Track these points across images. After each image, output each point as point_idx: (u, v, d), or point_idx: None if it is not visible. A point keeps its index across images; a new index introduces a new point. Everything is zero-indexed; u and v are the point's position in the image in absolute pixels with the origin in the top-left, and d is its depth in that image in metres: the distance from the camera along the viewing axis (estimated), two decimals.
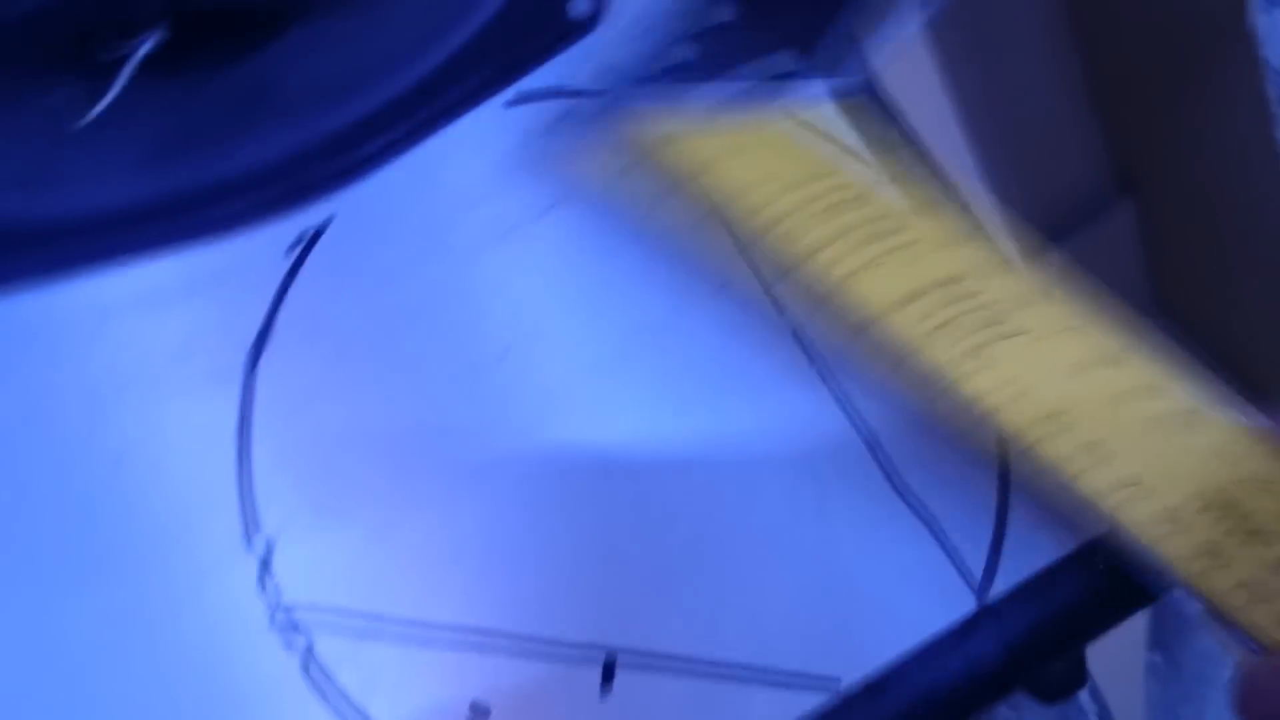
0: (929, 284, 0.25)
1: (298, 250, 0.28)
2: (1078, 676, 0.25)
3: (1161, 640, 0.45)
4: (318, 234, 0.28)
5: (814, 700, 0.24)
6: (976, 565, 0.25)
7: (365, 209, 0.29)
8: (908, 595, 0.25)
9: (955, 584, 0.25)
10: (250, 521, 0.26)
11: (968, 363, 0.24)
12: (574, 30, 0.30)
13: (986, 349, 0.24)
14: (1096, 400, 0.24)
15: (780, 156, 0.28)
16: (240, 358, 0.27)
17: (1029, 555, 0.25)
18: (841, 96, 0.28)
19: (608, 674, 0.25)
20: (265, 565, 0.25)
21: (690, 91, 0.28)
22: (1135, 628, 0.45)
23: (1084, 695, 0.38)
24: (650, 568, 0.25)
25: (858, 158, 0.28)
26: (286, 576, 0.26)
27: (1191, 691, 0.44)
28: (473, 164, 0.29)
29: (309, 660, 0.25)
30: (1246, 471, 0.23)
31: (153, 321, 0.28)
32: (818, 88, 0.28)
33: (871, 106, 0.28)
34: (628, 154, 0.28)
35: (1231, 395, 0.24)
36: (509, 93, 0.30)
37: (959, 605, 0.25)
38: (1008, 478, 0.26)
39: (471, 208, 0.29)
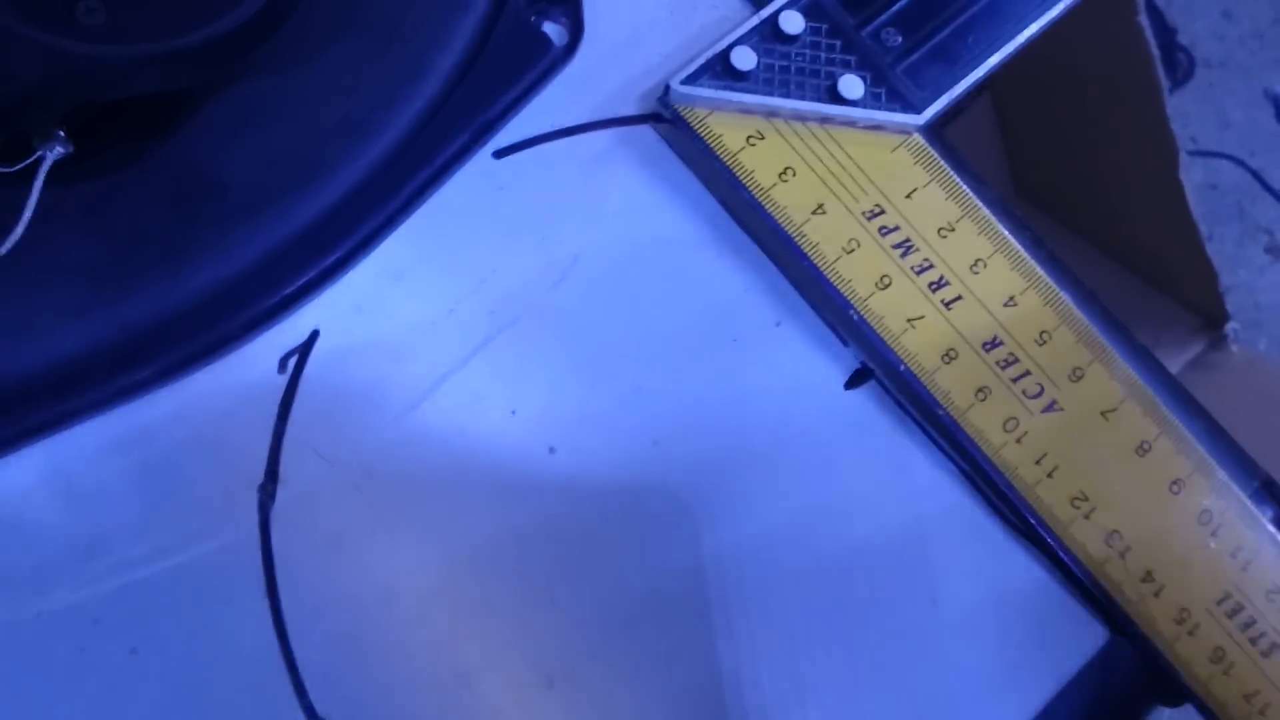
0: (970, 345, 0.25)
1: (290, 369, 0.24)
2: None
3: None
4: (309, 344, 0.24)
5: None
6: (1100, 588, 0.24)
7: (357, 308, 0.25)
8: (1039, 635, 0.24)
9: (1084, 611, 0.24)
10: (307, 707, 0.22)
11: (1002, 434, 0.24)
12: (554, 61, 0.26)
13: (1022, 423, 0.24)
14: (1121, 490, 0.24)
15: (841, 183, 0.25)
16: (251, 504, 0.23)
17: None
18: (906, 130, 0.26)
19: None
20: None
21: (750, 102, 0.25)
22: None
23: None
24: (762, 664, 0.23)
25: (917, 196, 0.25)
26: None
27: None
28: (472, 232, 0.25)
29: None
30: (1258, 579, 0.24)
31: (134, 481, 0.23)
32: (883, 117, 0.25)
33: (934, 144, 0.26)
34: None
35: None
36: (494, 144, 0.26)
37: (1093, 633, 0.24)
38: None
39: (480, 285, 0.25)
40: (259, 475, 0.24)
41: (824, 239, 0.25)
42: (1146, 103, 0.62)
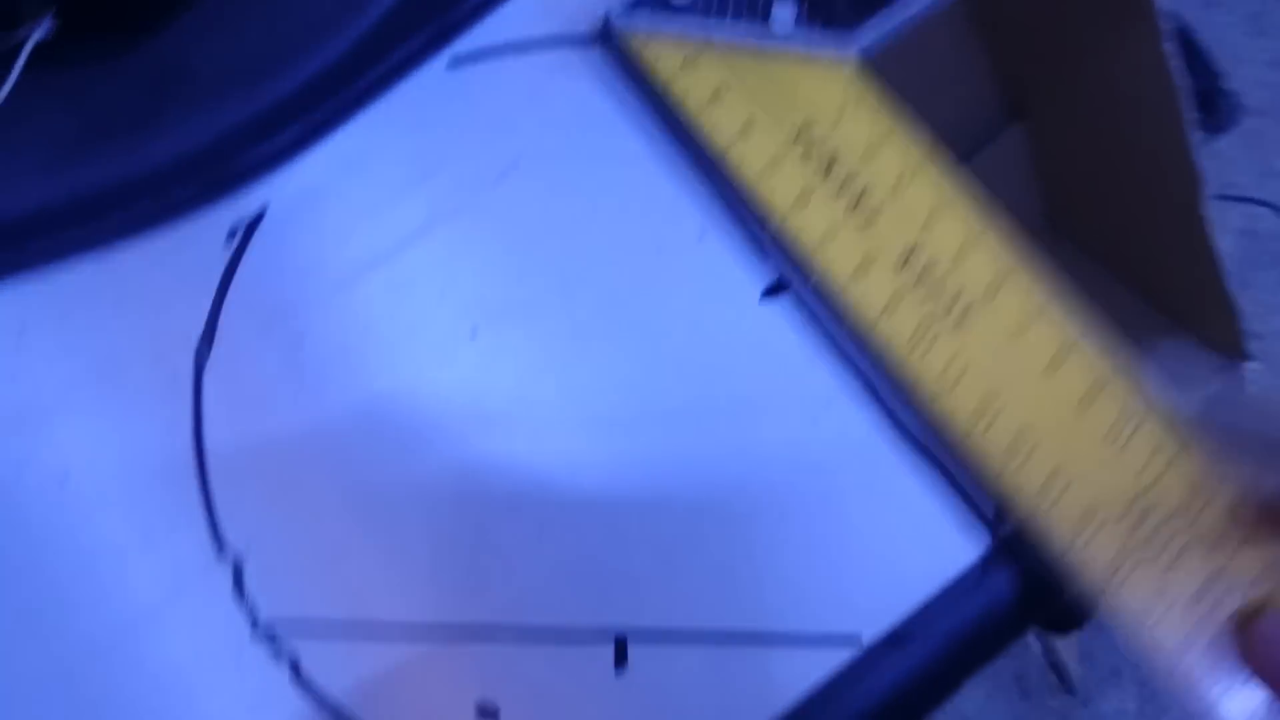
0: (887, 257, 0.25)
1: (237, 239, 0.26)
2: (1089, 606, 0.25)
3: None
4: (257, 219, 0.26)
5: (838, 658, 0.23)
6: (987, 503, 0.25)
7: (306, 191, 0.27)
8: (923, 540, 0.24)
9: (969, 522, 0.25)
10: (217, 536, 0.24)
11: (909, 345, 0.25)
12: None
13: (932, 331, 0.25)
14: (1029, 402, 0.24)
15: (769, 105, 0.27)
16: (186, 360, 0.25)
17: None
18: (840, 56, 0.27)
19: (620, 654, 0.24)
20: (238, 581, 0.24)
21: (687, 28, 0.27)
22: None
23: None
24: (651, 545, 0.24)
25: (844, 119, 0.27)
26: (262, 591, 0.24)
27: None
28: (420, 132, 0.27)
29: (298, 671, 0.23)
30: (1166, 490, 0.24)
31: (82, 329, 0.25)
32: (816, 47, 0.27)
33: (866, 69, 0.27)
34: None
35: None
36: (449, 54, 0.28)
37: (974, 544, 0.24)
38: None
39: (422, 179, 0.27)
40: (198, 334, 0.25)
41: (749, 158, 0.26)
42: (1171, 132, 0.62)
